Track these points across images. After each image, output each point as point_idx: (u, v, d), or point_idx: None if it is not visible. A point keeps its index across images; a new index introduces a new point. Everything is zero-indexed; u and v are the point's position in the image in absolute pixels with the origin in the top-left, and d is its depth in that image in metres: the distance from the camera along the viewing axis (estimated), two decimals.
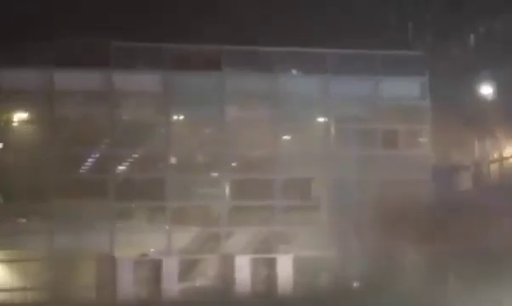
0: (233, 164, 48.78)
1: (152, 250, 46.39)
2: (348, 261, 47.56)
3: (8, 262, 45.05)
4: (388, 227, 45.99)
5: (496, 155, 48.33)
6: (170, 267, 44.65)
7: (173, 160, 47.54)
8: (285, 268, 45.90)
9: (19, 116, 47.38)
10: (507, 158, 47.47)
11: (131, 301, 42.18)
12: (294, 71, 50.50)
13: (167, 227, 46.44)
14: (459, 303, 39.44)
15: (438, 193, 50.04)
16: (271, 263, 46.16)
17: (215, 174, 48.75)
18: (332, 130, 50.06)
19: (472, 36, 50.90)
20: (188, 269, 46.25)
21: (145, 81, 47.28)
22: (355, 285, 46.85)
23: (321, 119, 50.87)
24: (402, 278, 44.55)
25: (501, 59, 47.43)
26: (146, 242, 46.20)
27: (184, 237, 46.77)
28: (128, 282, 43.75)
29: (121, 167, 48.01)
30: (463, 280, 42.82)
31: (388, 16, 55.77)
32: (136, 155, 47.88)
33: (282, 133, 49.85)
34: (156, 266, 44.70)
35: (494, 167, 48.61)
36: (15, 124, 47.25)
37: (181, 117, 49.05)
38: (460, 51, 51.91)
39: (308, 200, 49.42)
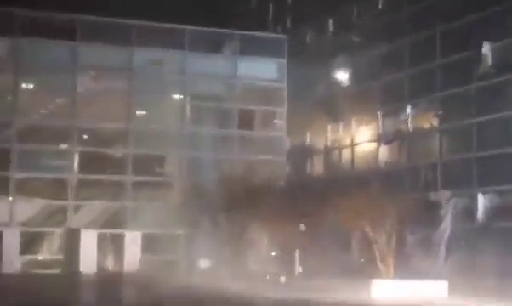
0: (84, 136, 47.41)
1: None
2: (197, 239, 47.13)
3: None
4: (240, 206, 45.79)
5: (348, 141, 48.93)
6: (11, 239, 43.08)
7: (19, 129, 45.54)
8: (132, 244, 44.87)
9: None
10: (358, 144, 48.10)
11: None
12: (153, 46, 49.36)
13: (10, 198, 44.64)
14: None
15: (290, 175, 50.43)
16: (119, 239, 45.03)
17: (64, 146, 47.18)
18: (188, 108, 49.44)
19: (330, 22, 51.32)
20: (31, 242, 44.69)
21: None
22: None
23: (176, 96, 50.16)
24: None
25: (356, 46, 48.08)
26: None
27: (28, 209, 45.24)
28: None
29: None
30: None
31: None
32: None
33: (136, 108, 48.86)
34: None
35: (346, 152, 49.20)
36: None
37: (30, 86, 47.23)
38: (318, 36, 52.33)
39: (160, 177, 48.66)
